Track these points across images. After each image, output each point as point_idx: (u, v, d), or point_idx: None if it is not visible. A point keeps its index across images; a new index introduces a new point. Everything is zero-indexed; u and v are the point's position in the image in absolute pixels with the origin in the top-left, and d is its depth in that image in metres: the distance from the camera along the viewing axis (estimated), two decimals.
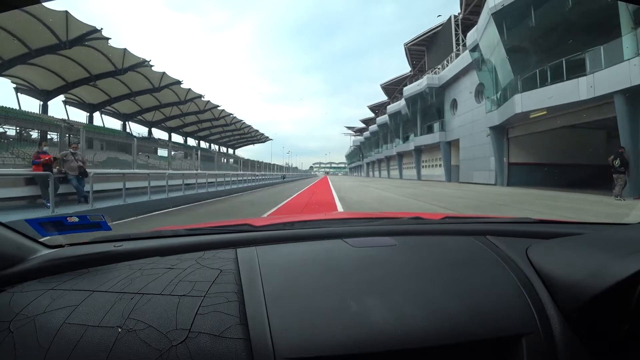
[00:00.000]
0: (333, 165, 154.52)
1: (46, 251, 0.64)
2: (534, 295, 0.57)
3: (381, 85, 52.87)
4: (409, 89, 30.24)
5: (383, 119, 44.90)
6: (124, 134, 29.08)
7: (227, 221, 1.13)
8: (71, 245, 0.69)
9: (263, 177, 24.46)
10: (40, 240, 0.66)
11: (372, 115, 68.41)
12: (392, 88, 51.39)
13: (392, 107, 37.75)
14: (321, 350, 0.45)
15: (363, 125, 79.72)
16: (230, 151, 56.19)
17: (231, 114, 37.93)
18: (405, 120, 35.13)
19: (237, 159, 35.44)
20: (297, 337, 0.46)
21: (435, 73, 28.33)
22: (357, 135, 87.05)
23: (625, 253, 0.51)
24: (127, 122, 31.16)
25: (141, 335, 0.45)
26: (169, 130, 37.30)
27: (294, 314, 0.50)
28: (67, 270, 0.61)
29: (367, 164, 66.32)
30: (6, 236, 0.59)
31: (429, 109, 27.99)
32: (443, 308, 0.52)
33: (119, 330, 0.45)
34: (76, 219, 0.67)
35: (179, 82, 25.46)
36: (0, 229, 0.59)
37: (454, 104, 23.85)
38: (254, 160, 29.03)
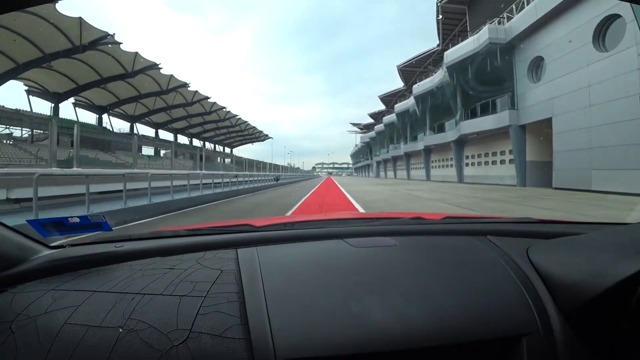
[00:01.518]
0: (336, 165, 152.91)
1: (47, 252, 0.65)
2: (534, 295, 0.57)
3: (399, 67, 42.26)
4: (455, 52, 20.13)
5: (405, 105, 36.19)
6: (99, 128, 26.15)
7: (227, 221, 1.15)
8: (72, 245, 0.69)
9: (252, 179, 19.12)
10: (41, 240, 0.65)
11: (382, 107, 61.17)
12: (411, 71, 42.54)
13: (420, 87, 29.10)
14: (322, 350, 0.45)
15: (371, 121, 72.89)
16: (228, 150, 52.05)
17: (224, 108, 34.69)
18: (437, 103, 26.65)
19: (233, 159, 30.23)
20: (297, 337, 0.47)
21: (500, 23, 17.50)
22: (364, 132, 79.45)
23: (626, 253, 0.51)
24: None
25: (142, 336, 0.45)
26: (156, 126, 34.40)
27: (295, 314, 0.50)
28: (69, 271, 0.61)
29: (378, 162, 58.91)
30: (7, 237, 0.60)
31: (482, 80, 18.62)
32: (444, 308, 0.52)
33: (120, 330, 0.45)
34: (77, 220, 0.67)
35: (155, 66, 22.85)
36: (2, 230, 0.59)
37: (536, 66, 15.19)
38: (251, 160, 25.53)
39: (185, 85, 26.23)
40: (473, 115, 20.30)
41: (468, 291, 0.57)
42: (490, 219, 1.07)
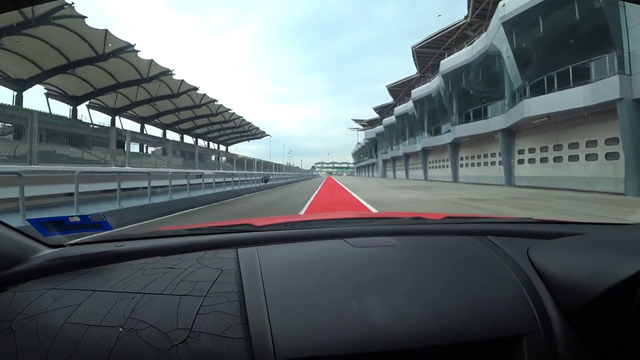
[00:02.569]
0: (335, 165, 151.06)
1: (48, 251, 0.64)
2: (535, 295, 0.57)
3: (413, 47, 34.57)
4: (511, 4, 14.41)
5: (423, 90, 29.91)
6: (72, 121, 20.94)
7: (228, 221, 1.15)
8: (73, 245, 0.69)
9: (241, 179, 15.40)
10: (41, 240, 0.65)
11: (389, 100, 55.01)
12: (429, 52, 36.02)
13: (450, 61, 22.73)
14: (322, 350, 0.45)
15: (375, 116, 66.57)
16: (223, 149, 47.16)
17: (215, 100, 30.25)
18: (475, 82, 20.57)
19: (219, 155, 29.09)
20: (297, 336, 0.47)
21: None
22: (367, 128, 74.23)
23: (627, 253, 0.51)
24: (115, 118, 28.65)
25: (142, 335, 0.45)
26: (142, 121, 30.80)
27: (295, 313, 0.50)
28: (69, 270, 0.61)
29: (385, 161, 53.08)
30: (8, 236, 0.60)
31: (551, 42, 12.87)
32: (444, 308, 0.52)
33: (120, 329, 0.45)
34: (77, 219, 0.67)
35: (130, 47, 19.62)
36: (2, 229, 0.59)
37: None
38: (242, 157, 23.15)
39: (168, 72, 22.44)
40: (527, 94, 14.83)
41: (468, 291, 0.57)
42: (491, 219, 1.07)
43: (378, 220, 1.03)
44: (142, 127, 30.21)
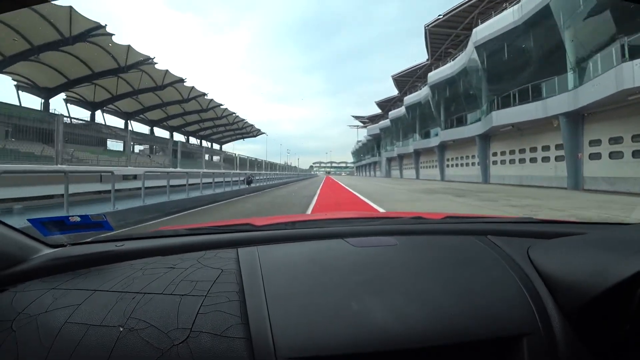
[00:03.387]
0: (334, 164, 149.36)
1: (48, 251, 0.64)
2: (535, 295, 0.57)
3: (426, 25, 29.24)
4: None
5: (446, 71, 25.06)
6: (45, 114, 18.69)
7: (228, 221, 1.14)
8: (73, 244, 0.69)
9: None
10: (42, 239, 0.65)
11: (394, 93, 49.70)
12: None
13: (486, 28, 18.26)
14: (322, 350, 0.45)
15: (377, 112, 61.19)
16: (221, 148, 44.78)
17: (204, 94, 27.97)
18: (520, 57, 16.26)
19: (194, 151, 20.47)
20: (298, 336, 0.47)
21: None
22: (367, 125, 68.54)
23: (627, 253, 0.51)
24: (129, 121, 28.04)
25: (143, 335, 0.45)
26: (126, 117, 28.36)
27: (295, 313, 0.50)
28: (69, 270, 0.61)
29: (389, 159, 48.15)
30: (8, 236, 0.60)
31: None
32: (444, 308, 0.53)
33: (121, 329, 0.46)
34: (78, 219, 0.67)
35: (100, 28, 17.61)
36: (2, 229, 0.59)
37: None
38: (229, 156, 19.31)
39: (148, 60, 19.72)
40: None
41: (468, 291, 0.57)
42: (491, 219, 1.06)
43: (378, 220, 1.05)
44: (127, 124, 27.60)
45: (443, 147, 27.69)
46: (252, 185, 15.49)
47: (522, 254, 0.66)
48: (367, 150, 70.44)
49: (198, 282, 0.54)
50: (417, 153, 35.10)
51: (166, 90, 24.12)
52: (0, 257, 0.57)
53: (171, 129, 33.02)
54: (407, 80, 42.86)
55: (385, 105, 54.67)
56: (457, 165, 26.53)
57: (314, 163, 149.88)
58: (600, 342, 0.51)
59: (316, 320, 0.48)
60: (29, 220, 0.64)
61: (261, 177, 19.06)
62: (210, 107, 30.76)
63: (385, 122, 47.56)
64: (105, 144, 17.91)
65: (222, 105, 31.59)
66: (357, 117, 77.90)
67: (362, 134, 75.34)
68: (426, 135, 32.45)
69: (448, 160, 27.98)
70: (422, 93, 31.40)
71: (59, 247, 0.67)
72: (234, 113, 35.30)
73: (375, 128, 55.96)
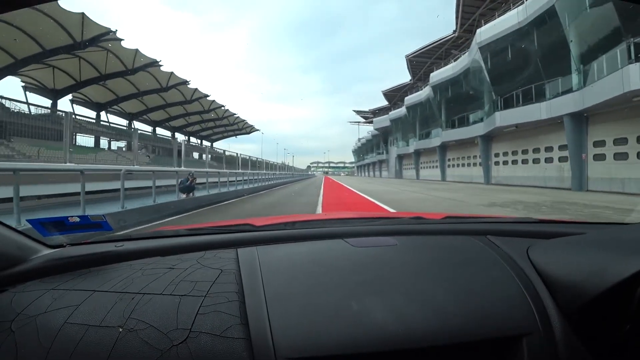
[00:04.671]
0: (332, 164, 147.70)
1: (47, 251, 0.64)
2: (534, 295, 0.57)
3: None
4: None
5: (498, 27, 17.59)
6: None
7: (227, 221, 1.14)
8: (72, 245, 0.69)
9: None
10: (41, 240, 0.65)
11: (406, 79, 43.55)
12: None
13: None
14: (322, 350, 0.45)
15: (383, 104, 55.03)
16: (217, 146, 41.33)
17: (186, 82, 24.16)
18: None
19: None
20: (297, 336, 0.47)
21: None
22: (370, 119, 62.77)
23: (626, 253, 0.51)
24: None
25: (142, 335, 0.45)
26: (97, 108, 25.19)
27: (295, 313, 0.50)
28: (68, 270, 0.61)
29: (400, 157, 41.29)
30: (7, 236, 0.59)
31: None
32: (444, 308, 0.53)
33: (120, 330, 0.46)
34: (77, 219, 0.67)
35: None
36: (2, 229, 0.59)
37: None
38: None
39: (109, 33, 17.07)
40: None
41: (468, 291, 0.57)
42: (491, 219, 1.06)
43: (378, 220, 1.04)
44: (99, 115, 24.30)
45: (489, 138, 20.85)
46: (192, 194, 9.00)
47: (521, 254, 0.66)
48: (370, 148, 63.02)
49: (197, 283, 0.54)
50: (443, 148, 27.30)
51: (136, 73, 20.75)
52: (0, 257, 0.57)
53: (154, 124, 30.08)
54: (424, 62, 36.08)
55: (394, 95, 48.49)
56: (506, 163, 19.89)
57: (311, 163, 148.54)
58: (599, 342, 0.51)
59: (316, 320, 0.49)
60: (28, 220, 0.63)
61: (238, 180, 14.09)
62: (194, 98, 26.62)
63: (397, 112, 39.87)
64: (70, 139, 16.82)
65: (208, 96, 27.24)
66: (358, 112, 72.44)
67: (364, 132, 70.57)
68: (459, 123, 24.26)
69: (497, 156, 20.70)
70: (459, 64, 23.00)
71: (59, 247, 0.66)
72: (223, 106, 30.96)
73: (383, 120, 46.92)
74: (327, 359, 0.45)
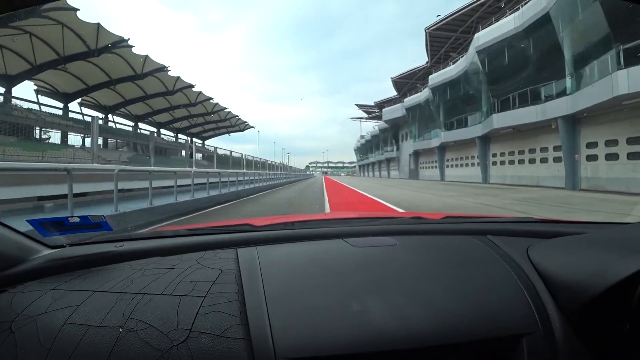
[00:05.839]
0: (331, 164, 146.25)
1: (47, 251, 0.64)
2: (534, 294, 0.57)
3: (427, 29, 27.43)
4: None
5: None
6: None
7: (227, 221, 1.16)
8: (72, 245, 0.69)
9: None
10: (41, 240, 0.65)
11: (393, 94, 43.40)
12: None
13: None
14: (322, 350, 0.45)
15: (394, 95, 46.91)
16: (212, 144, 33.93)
17: (165, 67, 20.56)
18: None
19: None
20: (297, 336, 0.47)
21: None
22: (374, 114, 58.35)
23: (626, 253, 0.51)
24: (137, 123, 25.64)
25: (142, 335, 0.45)
26: (65, 99, 21.84)
27: (295, 313, 0.50)
28: (68, 271, 0.61)
29: (417, 153, 34.05)
30: (7, 236, 0.59)
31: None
32: (444, 308, 0.53)
33: (120, 330, 0.45)
34: (77, 219, 0.67)
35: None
36: (2, 230, 0.59)
37: None
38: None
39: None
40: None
41: (468, 291, 0.57)
42: (490, 219, 1.06)
43: (378, 220, 1.04)
44: (65, 107, 20.53)
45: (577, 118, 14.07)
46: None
47: (521, 254, 0.67)
48: (376, 145, 55.09)
49: (197, 283, 0.54)
50: (485, 140, 20.47)
51: (100, 56, 17.37)
52: (0, 257, 0.56)
53: (136, 119, 26.04)
54: (445, 38, 29.11)
55: (405, 83, 41.64)
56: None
57: (310, 163, 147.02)
58: (600, 342, 0.51)
59: (316, 320, 0.49)
60: (28, 221, 0.63)
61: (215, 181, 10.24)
62: (177, 88, 22.22)
63: (416, 98, 32.05)
64: (26, 133, 14.41)
65: (192, 85, 22.47)
66: (361, 106, 64.96)
67: (366, 129, 65.38)
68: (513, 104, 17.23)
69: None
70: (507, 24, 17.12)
71: (59, 247, 0.66)
72: (212, 98, 25.82)
73: (395, 110, 38.88)
74: (327, 359, 0.45)
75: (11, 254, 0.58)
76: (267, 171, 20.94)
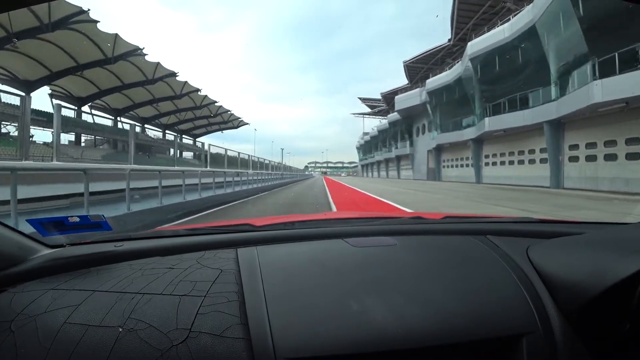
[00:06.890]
0: (330, 164, 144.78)
1: (47, 251, 0.64)
2: (534, 295, 0.57)
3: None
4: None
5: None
6: None
7: (227, 221, 1.16)
8: (72, 245, 0.69)
9: None
10: (41, 240, 0.65)
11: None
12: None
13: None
14: (321, 350, 0.45)
15: (405, 83, 40.07)
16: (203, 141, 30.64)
17: (138, 48, 17.55)
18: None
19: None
20: (297, 336, 0.47)
21: None
22: (380, 108, 54.16)
23: (626, 253, 0.51)
24: (118, 118, 23.29)
25: (142, 335, 0.45)
26: (26, 88, 18.19)
27: (295, 313, 0.50)
28: (68, 270, 0.61)
29: (439, 149, 27.52)
30: (7, 236, 0.59)
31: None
32: (443, 308, 0.53)
33: (120, 330, 0.45)
34: (77, 219, 0.67)
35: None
36: (1, 229, 0.59)
37: None
38: None
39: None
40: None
41: (468, 291, 0.57)
42: (490, 219, 1.07)
43: (378, 220, 1.04)
44: (24, 99, 13.59)
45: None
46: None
47: (521, 254, 0.66)
48: (383, 141, 47.96)
49: (197, 283, 0.54)
50: (559, 125, 14.67)
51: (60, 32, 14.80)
52: (0, 257, 0.56)
53: (116, 113, 23.58)
54: (470, 16, 24.71)
55: (419, 69, 35.53)
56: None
57: (309, 163, 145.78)
58: (599, 342, 0.51)
59: (316, 320, 0.49)
60: (27, 220, 0.63)
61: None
62: (158, 76, 19.62)
63: (444, 77, 25.38)
64: None
65: (177, 74, 19.96)
66: (364, 100, 59.19)
67: (369, 126, 61.34)
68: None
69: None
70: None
71: (58, 247, 0.66)
72: (199, 90, 23.21)
73: (412, 97, 31.95)
74: (327, 359, 0.45)
75: (11, 253, 0.58)
76: (259, 171, 17.88)
